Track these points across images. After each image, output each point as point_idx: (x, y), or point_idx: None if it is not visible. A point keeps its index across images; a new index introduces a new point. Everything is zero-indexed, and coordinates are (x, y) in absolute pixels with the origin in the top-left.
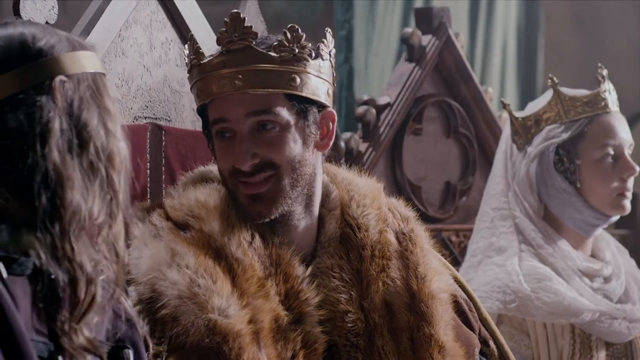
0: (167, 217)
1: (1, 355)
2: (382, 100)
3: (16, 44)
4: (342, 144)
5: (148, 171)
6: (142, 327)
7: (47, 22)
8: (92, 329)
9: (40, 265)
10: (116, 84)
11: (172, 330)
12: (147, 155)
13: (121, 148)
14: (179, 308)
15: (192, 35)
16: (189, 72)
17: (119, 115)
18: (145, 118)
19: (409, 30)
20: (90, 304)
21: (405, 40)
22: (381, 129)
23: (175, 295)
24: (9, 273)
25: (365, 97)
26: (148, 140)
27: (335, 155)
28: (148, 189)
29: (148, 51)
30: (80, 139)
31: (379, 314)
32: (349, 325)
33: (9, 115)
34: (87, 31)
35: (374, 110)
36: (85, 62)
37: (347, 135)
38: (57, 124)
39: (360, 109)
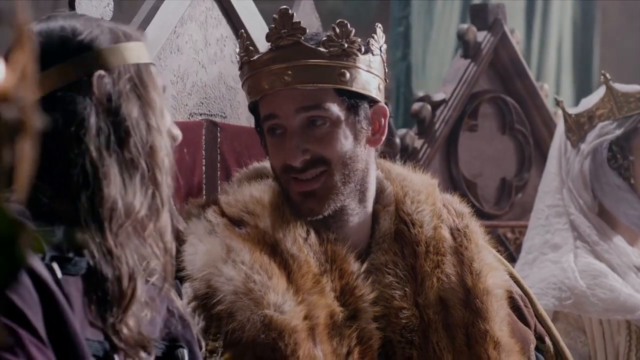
0: (222, 214)
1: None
2: (438, 96)
3: (56, 39)
4: (398, 141)
5: (203, 168)
6: (197, 325)
7: (102, 19)
8: (140, 324)
9: (94, 264)
10: (171, 81)
11: (228, 326)
12: (203, 151)
13: (164, 143)
14: (234, 304)
15: (242, 32)
16: (240, 69)
17: (164, 108)
18: (201, 115)
19: (464, 26)
20: (131, 300)
21: (460, 37)
22: (436, 126)
23: (230, 291)
24: (63, 273)
25: (421, 94)
26: (203, 137)
27: (391, 152)
28: (203, 186)
29: (203, 48)
30: (118, 134)
31: (433, 310)
32: (404, 321)
33: (47, 113)
34: (142, 28)
35: (429, 107)
36: (128, 53)
37: (402, 131)
38: (94, 120)
39: (416, 106)
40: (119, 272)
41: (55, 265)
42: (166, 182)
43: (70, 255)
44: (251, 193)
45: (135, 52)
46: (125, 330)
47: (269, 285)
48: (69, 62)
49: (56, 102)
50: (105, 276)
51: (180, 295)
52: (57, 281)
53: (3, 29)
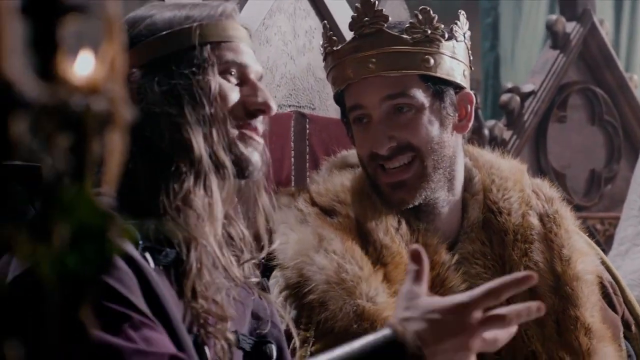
0: (313, 203)
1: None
2: (527, 87)
3: (165, 11)
4: (486, 132)
5: (292, 159)
6: (288, 314)
7: None
8: (223, 305)
9: (181, 254)
10: None
11: (320, 316)
12: (291, 143)
13: (217, 130)
14: (327, 293)
15: (325, 23)
16: (324, 60)
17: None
18: (289, 106)
19: (553, 17)
20: (211, 284)
21: (549, 27)
22: (525, 117)
23: (323, 280)
24: (156, 263)
25: (509, 85)
26: (292, 129)
27: (479, 142)
28: (292, 177)
29: (292, 39)
30: (180, 115)
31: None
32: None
33: (146, 83)
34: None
35: (518, 98)
36: (221, 30)
37: (491, 122)
38: (192, 92)
39: (504, 97)
40: (202, 260)
41: (148, 256)
42: (228, 175)
43: (161, 246)
44: (342, 182)
45: (227, 29)
46: (200, 302)
47: (361, 275)
48: (172, 32)
49: (156, 70)
50: (191, 265)
51: (267, 290)
52: (152, 271)
53: (93, 21)
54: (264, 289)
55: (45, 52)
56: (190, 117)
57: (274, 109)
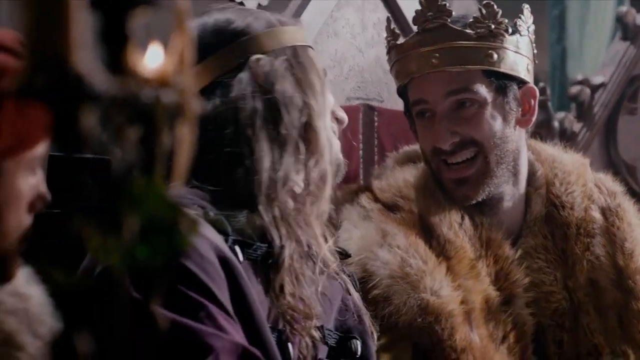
0: (376, 199)
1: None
2: (597, 79)
3: (209, 30)
4: (556, 124)
5: (361, 152)
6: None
7: (259, 5)
8: (309, 300)
9: (272, 249)
10: (328, 65)
11: (384, 311)
12: (360, 136)
13: (323, 122)
14: (391, 288)
15: (388, 17)
16: (387, 53)
17: (325, 89)
18: (358, 99)
19: (623, 8)
20: (310, 279)
21: (619, 19)
22: (595, 109)
23: (387, 275)
24: (245, 257)
25: (580, 77)
26: (360, 121)
27: (549, 135)
28: (360, 170)
29: (360, 32)
30: (274, 115)
31: (584, 292)
32: (554, 305)
33: (208, 101)
34: (299, 13)
35: (588, 90)
36: (283, 36)
37: (561, 115)
38: (251, 103)
39: (574, 89)
40: (297, 255)
41: (237, 249)
42: (327, 162)
43: (251, 241)
44: (404, 177)
45: (290, 35)
46: (301, 319)
47: (425, 269)
48: (225, 50)
49: (215, 88)
50: (281, 260)
51: (356, 286)
52: (240, 265)
53: (162, 13)
54: (354, 282)
55: (115, 45)
56: (316, 105)
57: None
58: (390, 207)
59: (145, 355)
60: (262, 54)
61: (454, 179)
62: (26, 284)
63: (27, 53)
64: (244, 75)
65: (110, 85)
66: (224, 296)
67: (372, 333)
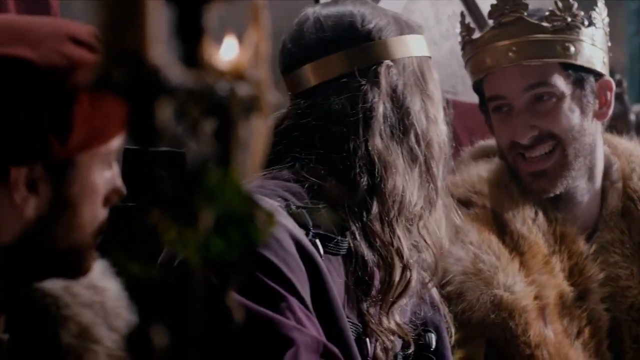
0: (450, 194)
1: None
2: None
3: (345, 24)
4: (633, 117)
5: None
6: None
7: None
8: (400, 313)
9: (355, 246)
10: None
11: (458, 307)
12: None
13: (441, 135)
14: (464, 284)
15: (462, 11)
16: (462, 49)
17: (441, 101)
18: None
19: None
20: (404, 290)
21: None
22: None
23: (460, 272)
24: (325, 252)
25: None
26: None
27: (625, 127)
28: None
29: (435, 24)
30: (402, 125)
31: None
32: (630, 300)
33: (331, 98)
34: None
35: None
36: (412, 46)
37: (637, 107)
38: (381, 109)
39: None
40: (391, 261)
41: (318, 243)
42: (442, 175)
43: (333, 235)
44: (478, 172)
45: (417, 44)
46: (387, 318)
47: (498, 265)
48: (358, 48)
49: (342, 86)
50: (366, 260)
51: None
52: (321, 257)
53: (237, 6)
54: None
55: (191, 39)
56: (436, 119)
57: None
58: (463, 203)
59: (223, 346)
60: (391, 60)
61: (531, 172)
62: (102, 277)
63: (103, 47)
64: (374, 81)
65: (186, 79)
66: (304, 290)
67: (448, 326)
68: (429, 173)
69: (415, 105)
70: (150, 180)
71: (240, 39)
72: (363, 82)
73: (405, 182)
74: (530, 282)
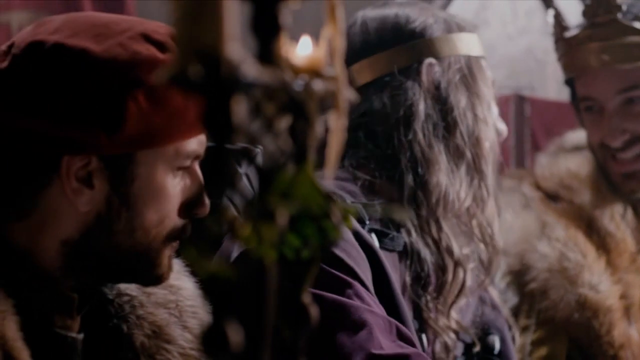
0: (538, 187)
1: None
2: None
3: (389, 25)
4: None
5: (511, 141)
6: (508, 301)
7: None
8: (459, 312)
9: (411, 243)
10: None
11: (541, 304)
12: (510, 125)
13: (490, 134)
14: (548, 282)
15: (556, 7)
16: (555, 44)
17: (492, 100)
18: (508, 88)
19: None
20: (460, 289)
21: None
22: None
23: (545, 269)
24: (380, 247)
25: None
26: (511, 111)
27: None
28: (511, 160)
29: (511, 20)
30: (446, 123)
31: None
32: None
33: (373, 96)
34: (449, 1)
35: None
36: (460, 44)
37: None
38: (422, 107)
39: None
40: (443, 260)
41: (374, 237)
42: (492, 172)
43: (388, 231)
44: (567, 167)
45: (466, 43)
46: (445, 316)
47: (584, 263)
48: (400, 48)
49: (384, 85)
50: (422, 257)
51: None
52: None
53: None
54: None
55: (267, 35)
56: (484, 118)
57: None
58: (551, 197)
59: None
60: (435, 58)
61: (622, 173)
62: (177, 276)
63: (179, 44)
64: (416, 79)
65: (262, 76)
66: (367, 278)
67: (509, 327)
68: (477, 171)
69: (460, 103)
70: (226, 176)
71: (316, 35)
72: (404, 80)
73: (449, 179)
74: (616, 281)
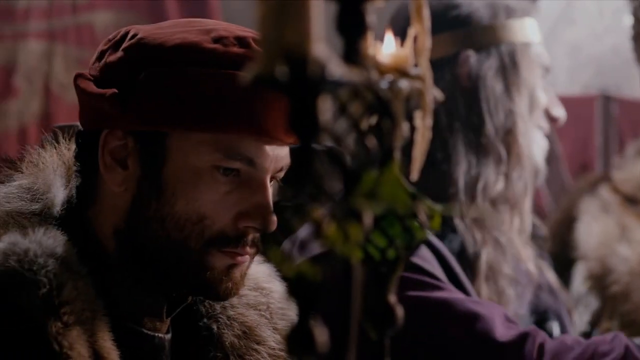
0: (616, 190)
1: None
2: None
3: (432, 11)
4: None
5: (597, 142)
6: (589, 305)
7: None
8: (515, 300)
9: (471, 244)
10: (565, 53)
11: (623, 307)
12: (596, 125)
13: (524, 129)
14: (630, 285)
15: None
16: (635, 44)
17: (538, 90)
18: (595, 87)
19: None
20: (476, 275)
21: None
22: None
23: (626, 272)
24: None
25: None
26: (597, 111)
27: None
28: (597, 160)
29: (598, 19)
30: (476, 120)
31: None
32: None
33: (481, 67)
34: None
35: None
36: (504, 32)
37: None
38: (451, 104)
39: None
40: (467, 253)
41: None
42: (528, 171)
43: (444, 232)
44: None
45: (514, 30)
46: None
47: None
48: (440, 36)
49: None
50: (478, 268)
51: (551, 266)
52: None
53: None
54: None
55: (353, 34)
56: (521, 110)
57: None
58: (630, 200)
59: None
60: (477, 48)
61: None
62: (268, 279)
63: (265, 45)
64: (448, 71)
65: (348, 75)
66: (444, 277)
67: (569, 311)
68: (510, 165)
69: (492, 96)
70: (312, 177)
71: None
72: (436, 72)
73: (472, 172)
74: None
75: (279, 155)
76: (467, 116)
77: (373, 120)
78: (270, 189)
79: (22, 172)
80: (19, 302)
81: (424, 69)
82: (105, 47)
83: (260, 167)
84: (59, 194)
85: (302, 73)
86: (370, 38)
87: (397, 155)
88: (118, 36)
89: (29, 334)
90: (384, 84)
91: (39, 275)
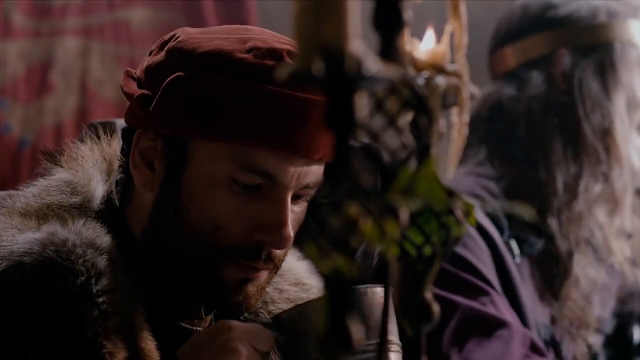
0: None
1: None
2: None
3: (529, 10)
4: None
5: None
6: None
7: None
8: (597, 305)
9: (549, 245)
10: None
11: None
12: None
13: (623, 130)
14: None
15: None
16: None
17: (635, 92)
18: None
19: None
20: (566, 278)
21: None
22: None
23: None
24: (521, 254)
25: None
26: None
27: None
28: None
29: None
30: (573, 121)
31: None
32: None
33: (504, 88)
34: None
35: None
36: (603, 32)
37: None
38: (547, 96)
39: None
40: (560, 254)
41: (514, 244)
42: (627, 169)
43: (526, 236)
44: None
45: (614, 31)
46: (582, 316)
47: None
48: (537, 37)
49: (514, 78)
50: (555, 257)
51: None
52: (513, 260)
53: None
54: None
55: (390, 31)
56: (620, 111)
57: None
58: None
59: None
60: (574, 48)
61: None
62: (308, 275)
63: (302, 41)
64: (543, 71)
65: (385, 72)
66: (492, 276)
67: None
68: (613, 170)
69: (589, 96)
70: (349, 174)
71: (439, 31)
72: (532, 72)
73: (569, 174)
74: None
75: (304, 171)
76: (563, 116)
77: (409, 116)
78: (299, 206)
79: (61, 166)
80: (56, 290)
81: (461, 65)
82: (154, 47)
83: (280, 182)
84: (99, 188)
85: (338, 70)
86: (406, 34)
87: (434, 151)
88: (167, 37)
89: (66, 322)
90: (420, 80)
91: (77, 264)
